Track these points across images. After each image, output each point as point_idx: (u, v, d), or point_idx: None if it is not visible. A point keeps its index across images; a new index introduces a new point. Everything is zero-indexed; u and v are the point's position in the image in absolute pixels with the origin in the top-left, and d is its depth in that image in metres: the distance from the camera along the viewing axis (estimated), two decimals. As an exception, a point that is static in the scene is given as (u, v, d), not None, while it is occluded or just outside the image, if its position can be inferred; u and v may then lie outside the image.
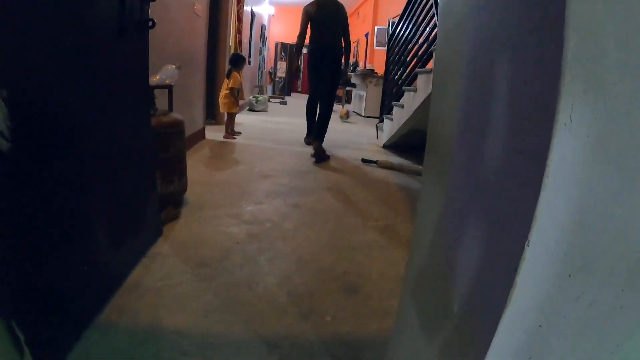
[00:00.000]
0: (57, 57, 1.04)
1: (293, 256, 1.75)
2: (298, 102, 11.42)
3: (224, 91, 4.65)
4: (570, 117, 0.48)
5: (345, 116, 7.68)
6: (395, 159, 4.04)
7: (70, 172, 1.13)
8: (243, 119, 6.69)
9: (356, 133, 5.88)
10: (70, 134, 1.13)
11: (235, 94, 4.61)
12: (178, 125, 2.08)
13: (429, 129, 0.94)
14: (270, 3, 12.71)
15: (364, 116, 8.18)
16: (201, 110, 4.48)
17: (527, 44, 0.56)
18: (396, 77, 4.74)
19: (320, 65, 4.23)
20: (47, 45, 0.99)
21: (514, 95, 0.59)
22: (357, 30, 11.12)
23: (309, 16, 4.28)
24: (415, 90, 3.55)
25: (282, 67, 14.60)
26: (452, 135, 0.76)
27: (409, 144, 4.42)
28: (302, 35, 4.33)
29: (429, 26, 3.86)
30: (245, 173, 3.00)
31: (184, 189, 2.25)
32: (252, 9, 8.41)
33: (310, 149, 4.01)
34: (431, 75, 3.24)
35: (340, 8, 4.35)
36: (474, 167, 0.68)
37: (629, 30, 0.48)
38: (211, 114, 5.39)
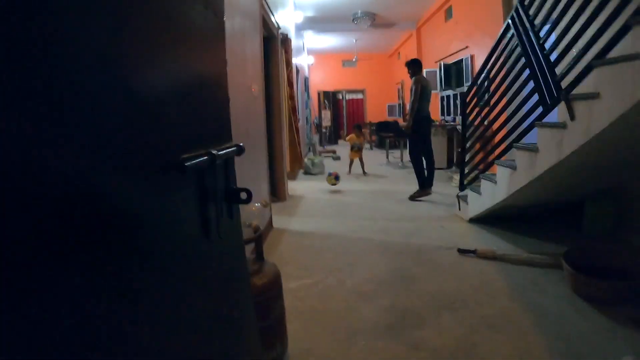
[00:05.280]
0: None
1: None
2: (347, 152, 10.93)
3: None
4: None
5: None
6: (489, 237, 3.52)
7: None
8: (301, 187, 6.34)
9: (436, 201, 5.09)
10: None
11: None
12: (275, 284, 1.69)
13: None
14: (309, 52, 12.69)
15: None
16: (267, 192, 4.20)
17: None
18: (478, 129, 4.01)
19: (427, 129, 5.34)
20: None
21: None
22: (401, 70, 10.57)
23: (423, 88, 5.08)
24: (514, 168, 3.07)
25: (326, 116, 14.44)
26: None
27: (499, 216, 3.84)
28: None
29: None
30: (337, 292, 2.53)
31: (286, 348, 1.84)
32: (295, 64, 8.16)
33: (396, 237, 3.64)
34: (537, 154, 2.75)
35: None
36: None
37: None
38: (273, 191, 5.10)
